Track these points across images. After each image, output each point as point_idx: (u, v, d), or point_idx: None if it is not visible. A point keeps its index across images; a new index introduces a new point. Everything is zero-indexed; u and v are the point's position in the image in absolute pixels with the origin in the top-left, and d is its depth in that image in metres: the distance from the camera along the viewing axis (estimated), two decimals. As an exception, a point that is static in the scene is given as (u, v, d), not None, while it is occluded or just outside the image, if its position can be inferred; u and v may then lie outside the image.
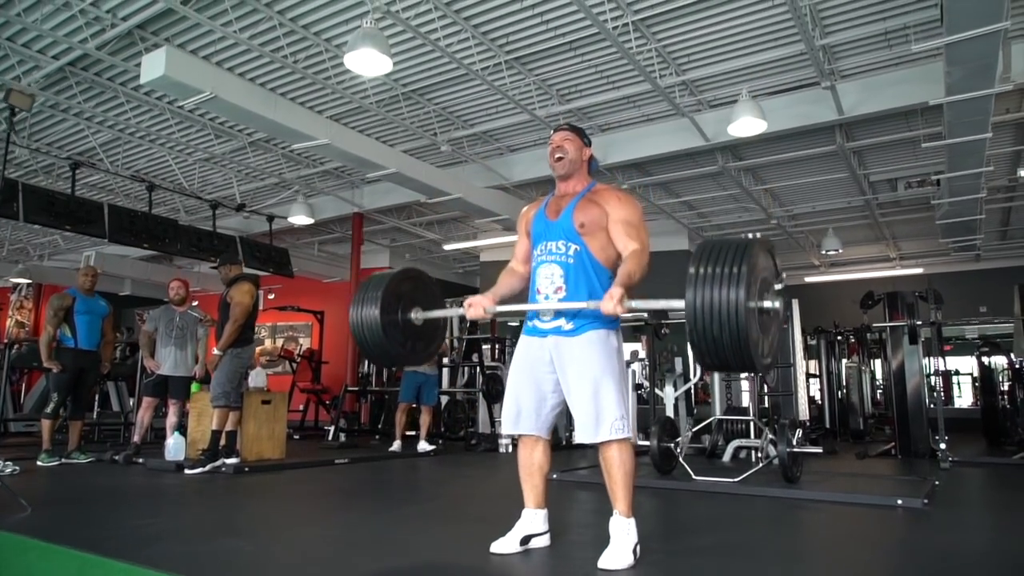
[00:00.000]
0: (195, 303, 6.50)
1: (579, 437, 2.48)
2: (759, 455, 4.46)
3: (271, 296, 12.96)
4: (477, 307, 2.65)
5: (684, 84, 6.87)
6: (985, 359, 8.94)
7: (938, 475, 5.27)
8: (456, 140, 8.18)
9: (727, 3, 5.60)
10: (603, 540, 2.45)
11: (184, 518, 3.51)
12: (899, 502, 3.68)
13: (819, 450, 4.45)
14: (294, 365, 11.66)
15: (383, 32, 5.45)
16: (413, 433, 7.15)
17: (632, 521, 2.45)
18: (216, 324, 5.57)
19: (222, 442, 5.15)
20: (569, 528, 3.04)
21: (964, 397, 13.85)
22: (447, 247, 12.40)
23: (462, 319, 11.72)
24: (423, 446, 6.81)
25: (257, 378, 5.82)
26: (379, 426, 8.66)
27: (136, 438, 5.88)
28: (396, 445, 6.85)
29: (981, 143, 6.59)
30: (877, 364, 11.33)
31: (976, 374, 11.21)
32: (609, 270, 2.57)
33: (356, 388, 8.48)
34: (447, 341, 7.56)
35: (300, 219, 9.54)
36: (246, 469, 5.10)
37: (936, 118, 6.63)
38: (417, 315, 2.82)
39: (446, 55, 6.07)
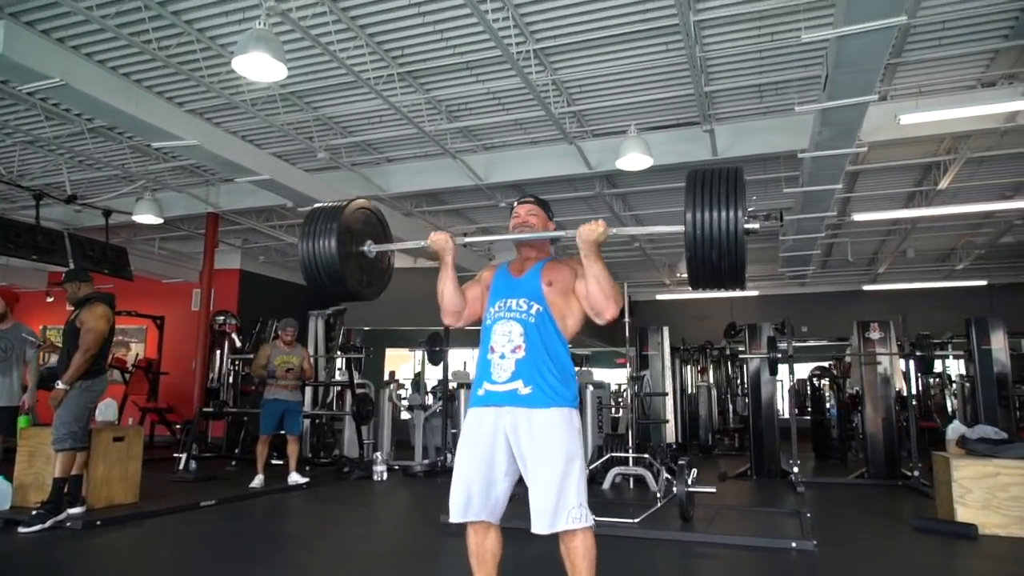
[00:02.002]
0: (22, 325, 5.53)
1: (535, 527, 2.30)
2: (658, 495, 4.57)
3: (100, 297, 11.48)
4: (441, 235, 2.60)
5: (574, 114, 6.96)
6: (816, 381, 9.95)
7: (799, 501, 5.75)
8: (334, 147, 7.70)
9: (626, 43, 5.71)
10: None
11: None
12: (793, 545, 3.92)
13: (713, 490, 4.63)
14: (127, 376, 10.44)
15: (275, 33, 4.96)
16: (279, 462, 6.58)
17: (590, 611, 2.36)
18: (60, 351, 4.77)
19: (65, 490, 4.42)
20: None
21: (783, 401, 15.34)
22: (308, 251, 11.66)
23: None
24: (295, 478, 6.28)
25: (107, 411, 5.07)
26: (236, 451, 7.92)
27: (-57, 482, 4.92)
28: (258, 480, 6.14)
29: (831, 192, 7.31)
30: (716, 378, 12.24)
31: (796, 386, 12.53)
32: (567, 340, 2.51)
33: (211, 410, 7.68)
34: (311, 361, 6.94)
35: (146, 218, 8.52)
36: (97, 523, 4.40)
37: (793, 164, 7.23)
38: (370, 247, 2.73)
39: (337, 61, 5.66)
